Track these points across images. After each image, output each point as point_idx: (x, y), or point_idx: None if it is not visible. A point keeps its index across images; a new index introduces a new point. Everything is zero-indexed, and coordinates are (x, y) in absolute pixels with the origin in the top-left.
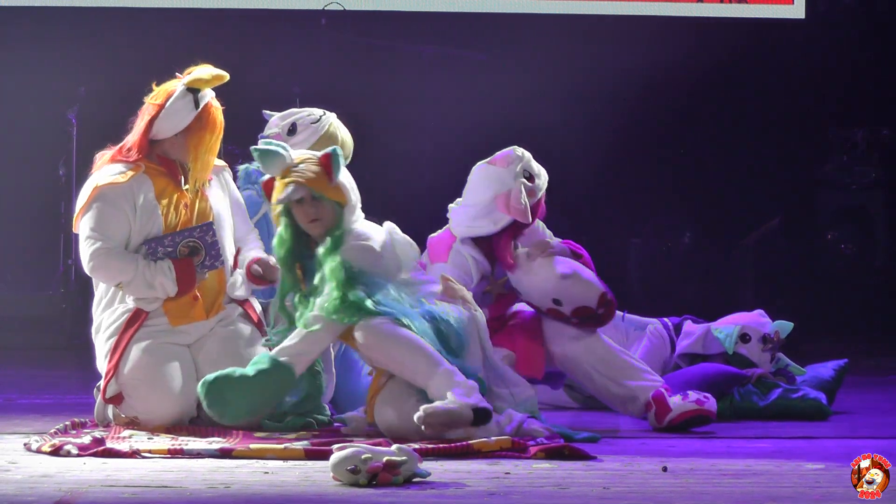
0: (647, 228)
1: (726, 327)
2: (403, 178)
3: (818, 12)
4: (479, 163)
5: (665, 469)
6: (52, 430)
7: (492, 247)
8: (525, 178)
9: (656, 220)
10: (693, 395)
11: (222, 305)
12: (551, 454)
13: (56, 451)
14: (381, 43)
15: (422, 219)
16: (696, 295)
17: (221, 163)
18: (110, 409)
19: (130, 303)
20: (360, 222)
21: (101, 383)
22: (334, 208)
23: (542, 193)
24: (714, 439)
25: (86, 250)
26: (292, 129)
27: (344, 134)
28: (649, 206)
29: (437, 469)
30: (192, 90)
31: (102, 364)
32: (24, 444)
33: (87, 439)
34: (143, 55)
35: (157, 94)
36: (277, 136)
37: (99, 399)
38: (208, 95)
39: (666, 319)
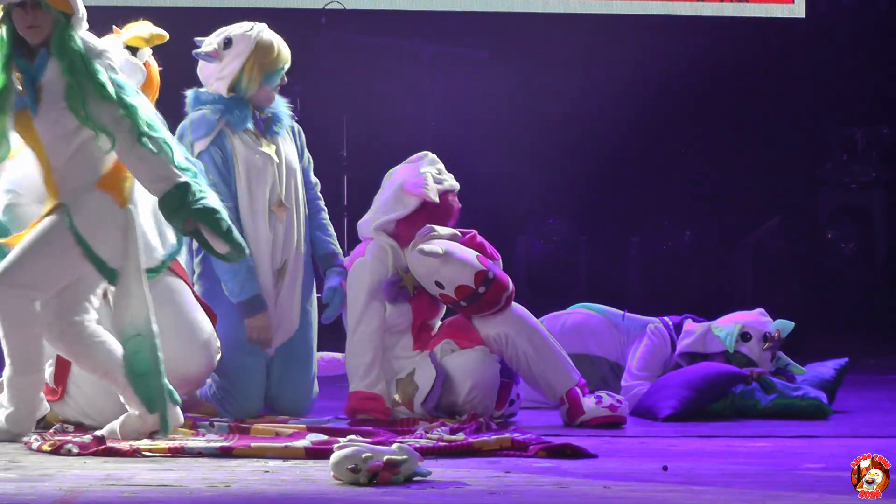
0: (647, 227)
1: (727, 326)
2: None
3: (818, 12)
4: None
5: (665, 468)
6: (52, 430)
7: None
8: (434, 174)
9: (656, 219)
10: (607, 399)
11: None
12: (552, 453)
13: (56, 450)
14: (381, 41)
15: None
16: (697, 294)
17: None
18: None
19: None
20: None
21: (48, 370)
22: (56, 17)
23: (450, 188)
24: (714, 438)
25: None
26: (227, 43)
27: (278, 42)
28: (649, 205)
29: (438, 468)
30: (131, 48)
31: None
32: (25, 443)
33: (87, 438)
34: None
35: None
36: (214, 51)
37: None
38: (146, 54)
39: (666, 318)
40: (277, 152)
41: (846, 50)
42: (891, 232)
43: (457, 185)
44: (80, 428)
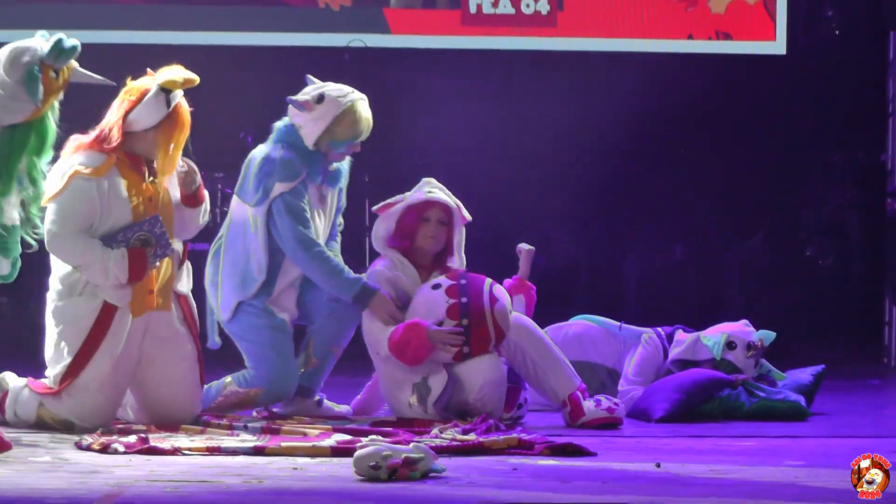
0: (641, 244)
1: (714, 336)
2: None
3: (797, 48)
4: None
5: (658, 465)
6: (100, 430)
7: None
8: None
9: (650, 237)
10: (605, 402)
11: (167, 304)
12: (555, 451)
13: (104, 449)
14: (398, 76)
15: None
16: (687, 306)
17: (185, 163)
18: (35, 405)
19: (99, 296)
20: None
21: (54, 373)
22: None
23: (430, 197)
24: (703, 438)
25: (52, 229)
26: (320, 99)
27: (365, 113)
28: (643, 224)
29: (451, 465)
30: (165, 90)
31: (58, 353)
32: (76, 443)
33: (132, 438)
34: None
35: (132, 90)
36: (307, 102)
37: (25, 391)
38: (179, 95)
39: (659, 329)
40: (324, 207)
41: (822, 82)
42: (864, 249)
43: (434, 198)
44: (123, 429)
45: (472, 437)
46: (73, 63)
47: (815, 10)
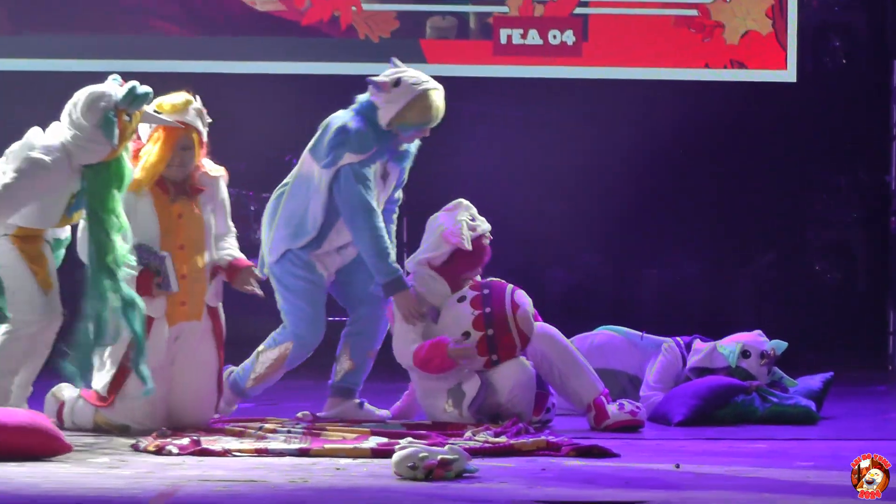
0: (661, 261)
1: (730, 345)
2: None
3: (806, 76)
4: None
5: (678, 466)
6: (155, 433)
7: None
8: (468, 220)
9: (669, 254)
10: (628, 405)
11: (198, 314)
12: (581, 453)
13: (159, 451)
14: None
15: None
16: (704, 317)
17: (219, 171)
18: (91, 413)
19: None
20: None
21: (101, 383)
22: None
23: (482, 232)
24: (720, 441)
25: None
26: (397, 83)
27: (437, 101)
28: (663, 242)
29: (484, 466)
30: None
31: (102, 364)
32: (132, 445)
33: (185, 441)
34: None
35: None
36: (385, 84)
37: (80, 401)
38: (165, 119)
39: (678, 338)
40: (386, 183)
41: (829, 107)
42: (869, 264)
43: (488, 228)
44: (177, 432)
45: (502, 439)
46: (144, 107)
47: (823, 41)
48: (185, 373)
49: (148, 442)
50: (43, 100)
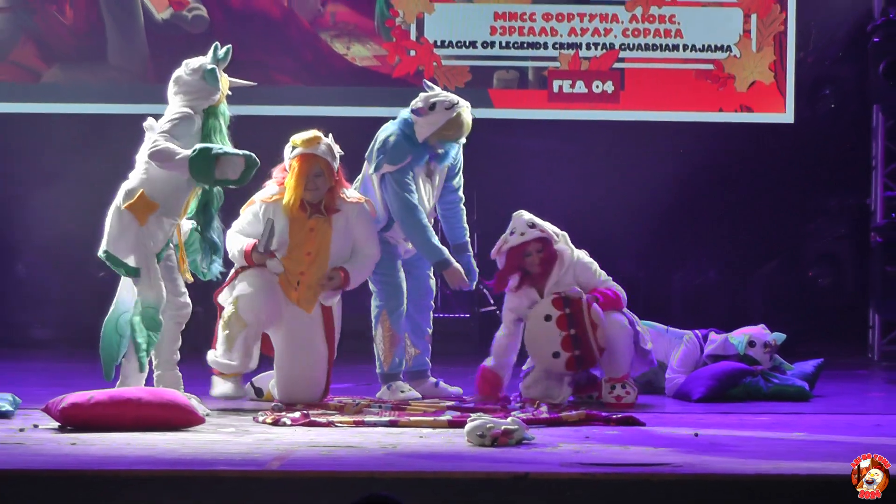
0: (685, 267)
1: (739, 336)
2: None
3: (803, 118)
4: None
5: (696, 435)
6: (270, 408)
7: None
8: (511, 232)
9: (691, 263)
10: (618, 390)
11: (311, 310)
12: (618, 423)
13: (275, 423)
14: (500, 140)
15: None
16: (719, 313)
17: (357, 198)
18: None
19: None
20: None
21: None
22: None
23: (516, 243)
24: (731, 414)
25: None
26: (432, 107)
27: (467, 119)
28: (687, 253)
29: (539, 434)
30: (294, 145)
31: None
32: (253, 418)
33: (296, 414)
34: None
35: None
36: (421, 108)
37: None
38: (301, 150)
39: (697, 331)
40: (433, 179)
41: (823, 144)
42: (854, 271)
43: (529, 237)
44: (290, 407)
45: (552, 414)
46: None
47: (817, 89)
48: (297, 358)
49: (266, 415)
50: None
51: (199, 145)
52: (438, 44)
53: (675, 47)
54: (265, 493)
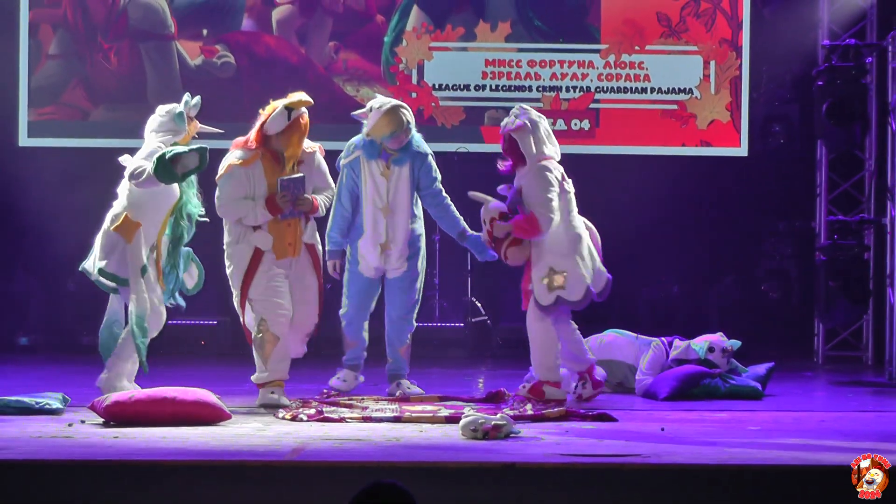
0: (651, 283)
1: (700, 343)
2: None
3: (755, 151)
4: None
5: (663, 429)
6: (291, 406)
7: None
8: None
9: (657, 279)
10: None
11: (298, 251)
12: (595, 419)
13: (294, 419)
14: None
15: None
16: (682, 323)
17: (313, 147)
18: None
19: (252, 243)
20: None
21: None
22: None
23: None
24: (693, 411)
25: (219, 201)
26: (370, 110)
27: (395, 117)
28: (653, 270)
29: (525, 429)
30: (288, 108)
31: (232, 283)
32: (274, 415)
33: (312, 411)
34: None
35: (268, 108)
36: (363, 114)
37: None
38: (300, 110)
39: (663, 339)
40: (391, 176)
41: (773, 174)
42: (800, 286)
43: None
44: (306, 403)
45: (536, 411)
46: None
47: (767, 126)
48: (297, 292)
49: (285, 412)
50: None
51: (154, 157)
52: (437, 87)
53: (644, 90)
54: (285, 480)
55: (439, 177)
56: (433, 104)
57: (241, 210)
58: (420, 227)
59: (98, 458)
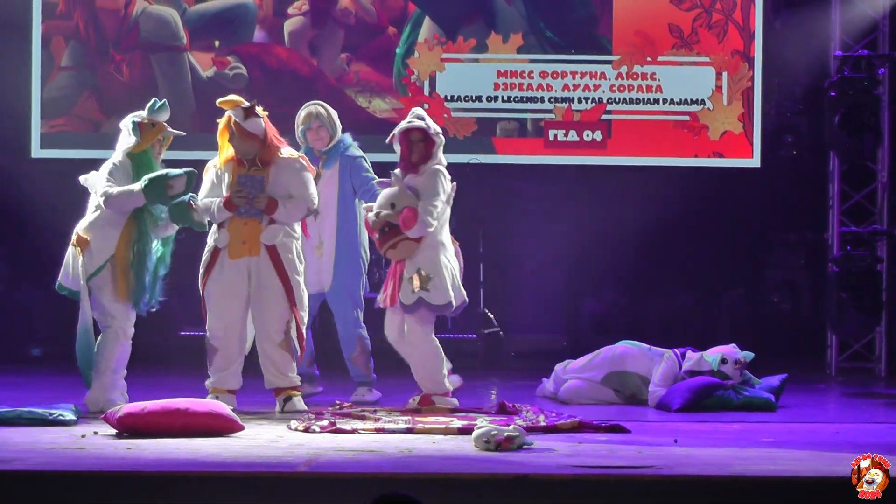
0: (664, 294)
1: (712, 354)
2: (535, 269)
3: (768, 162)
4: None
5: (676, 441)
6: (303, 416)
7: None
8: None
9: (668, 290)
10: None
11: (259, 250)
12: (607, 430)
13: (306, 430)
14: (501, 182)
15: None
16: (695, 334)
17: (293, 155)
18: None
19: (211, 242)
20: None
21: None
22: None
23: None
24: (706, 423)
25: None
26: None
27: (306, 109)
28: (665, 281)
29: (538, 440)
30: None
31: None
32: (287, 426)
33: (325, 422)
34: None
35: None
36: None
37: None
38: (226, 113)
39: (676, 350)
40: (320, 180)
41: (785, 185)
42: (812, 298)
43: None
44: (319, 415)
45: (548, 421)
46: (165, 124)
47: (779, 137)
48: (254, 293)
49: (298, 423)
50: None
51: (147, 177)
52: (448, 98)
53: (656, 101)
54: (297, 491)
55: (374, 176)
56: (445, 115)
57: (208, 208)
58: (354, 233)
59: (111, 470)
